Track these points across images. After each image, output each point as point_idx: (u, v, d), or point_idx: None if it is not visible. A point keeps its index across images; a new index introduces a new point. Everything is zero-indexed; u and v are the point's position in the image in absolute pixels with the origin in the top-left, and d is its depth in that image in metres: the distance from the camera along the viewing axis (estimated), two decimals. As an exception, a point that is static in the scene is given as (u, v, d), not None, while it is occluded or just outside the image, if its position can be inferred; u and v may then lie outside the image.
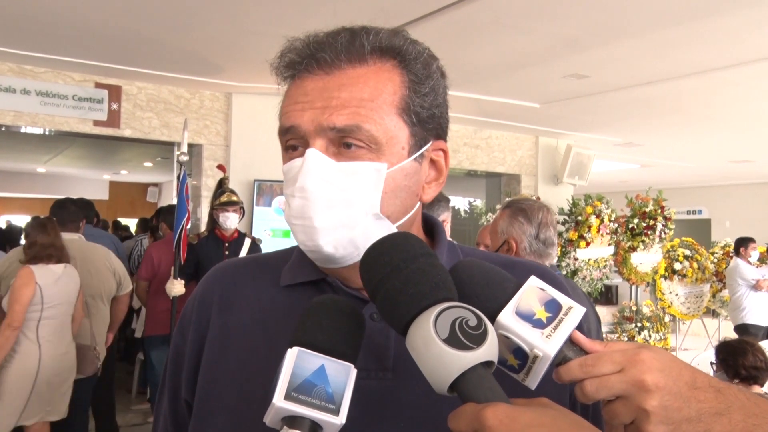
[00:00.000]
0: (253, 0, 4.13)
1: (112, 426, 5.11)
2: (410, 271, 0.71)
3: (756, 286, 7.89)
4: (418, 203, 0.95)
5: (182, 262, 4.71)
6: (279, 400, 0.66)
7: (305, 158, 0.85)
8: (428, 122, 0.91)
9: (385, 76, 0.88)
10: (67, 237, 4.22)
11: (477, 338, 0.65)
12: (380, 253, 0.73)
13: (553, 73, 5.67)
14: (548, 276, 0.97)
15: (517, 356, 0.72)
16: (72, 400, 4.24)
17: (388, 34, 0.89)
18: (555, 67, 5.48)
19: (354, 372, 0.70)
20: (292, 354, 0.69)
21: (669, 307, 8.59)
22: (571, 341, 0.73)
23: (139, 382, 6.73)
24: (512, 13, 4.23)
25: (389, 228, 0.89)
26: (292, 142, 0.89)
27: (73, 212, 4.36)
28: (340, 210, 0.85)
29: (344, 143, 0.85)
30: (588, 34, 4.61)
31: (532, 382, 0.73)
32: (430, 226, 1.03)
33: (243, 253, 5.12)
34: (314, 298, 0.78)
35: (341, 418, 0.67)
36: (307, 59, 0.87)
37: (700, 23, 4.32)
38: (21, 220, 14.74)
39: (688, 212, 15.09)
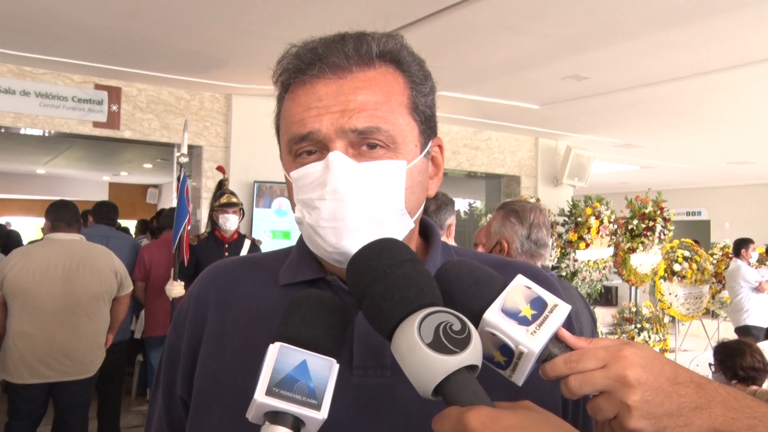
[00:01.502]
0: (253, 1, 4.14)
1: (115, 429, 5.11)
2: (395, 276, 0.71)
3: (758, 288, 7.88)
4: (425, 199, 0.98)
5: (185, 264, 4.72)
6: (260, 395, 0.66)
7: (331, 161, 0.86)
8: (430, 120, 0.95)
9: (391, 78, 0.90)
10: (69, 237, 4.23)
11: (461, 342, 0.66)
12: (366, 258, 0.74)
13: (553, 74, 5.68)
14: (539, 276, 0.99)
15: (504, 353, 0.73)
16: (75, 399, 4.25)
17: (386, 38, 0.92)
18: (554, 68, 5.48)
19: (336, 367, 0.71)
20: (274, 349, 0.70)
21: (668, 308, 8.58)
22: (556, 338, 0.74)
23: (139, 383, 6.73)
24: (512, 14, 4.24)
25: (409, 223, 0.92)
26: (309, 148, 0.89)
27: (75, 212, 4.36)
28: (370, 208, 0.87)
29: (368, 144, 0.87)
30: (587, 35, 4.62)
31: (519, 378, 0.74)
32: (425, 227, 1.05)
33: (243, 254, 5.12)
34: (297, 293, 0.79)
35: (323, 413, 0.67)
36: (319, 63, 0.87)
37: (700, 25, 4.33)
38: (21, 221, 14.77)
39: (688, 213, 15.09)
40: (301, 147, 0.89)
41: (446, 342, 0.66)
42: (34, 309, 4.03)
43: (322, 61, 0.87)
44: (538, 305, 0.74)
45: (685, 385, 0.70)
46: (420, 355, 0.65)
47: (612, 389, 0.69)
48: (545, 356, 0.73)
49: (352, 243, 0.85)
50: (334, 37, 0.91)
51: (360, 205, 0.86)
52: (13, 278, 4.01)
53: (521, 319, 0.73)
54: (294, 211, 0.93)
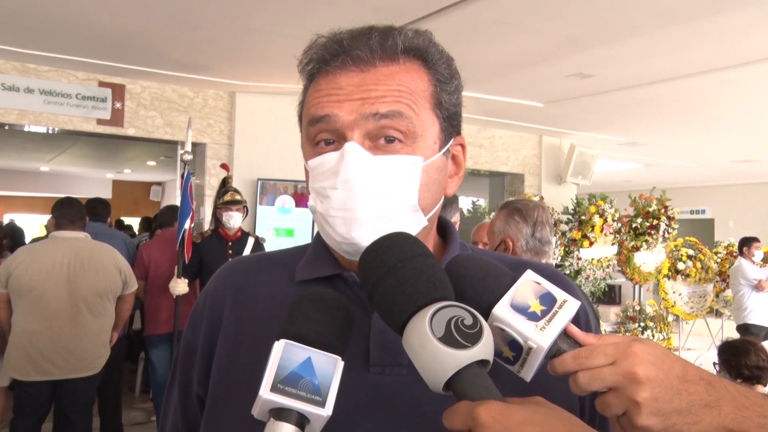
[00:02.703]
0: (256, -1, 4.14)
1: (117, 425, 5.12)
2: (407, 270, 0.71)
3: (758, 287, 7.86)
4: (443, 197, 0.97)
5: (186, 262, 4.73)
6: (265, 392, 0.67)
7: (346, 151, 0.85)
8: (453, 118, 0.95)
9: (415, 74, 0.90)
10: (74, 235, 4.23)
11: (472, 337, 0.66)
12: (378, 252, 0.74)
13: (557, 72, 5.66)
14: (556, 276, 0.98)
15: (513, 348, 0.73)
16: (79, 397, 4.26)
17: (413, 34, 0.91)
18: (559, 66, 5.47)
19: (341, 364, 0.71)
20: (279, 346, 0.70)
21: (672, 306, 8.58)
22: (565, 334, 0.74)
23: (142, 380, 6.74)
24: (515, 12, 4.23)
25: (422, 221, 0.91)
26: (325, 136, 0.89)
27: (79, 210, 4.37)
28: (382, 202, 0.87)
29: (386, 137, 0.87)
30: (592, 33, 4.61)
31: (527, 374, 0.74)
32: (443, 225, 1.05)
33: (246, 252, 5.13)
34: (303, 291, 0.79)
35: (327, 410, 0.67)
36: (342, 56, 0.88)
37: (704, 22, 4.32)
38: (24, 218, 14.80)
39: (692, 212, 15.06)
40: (317, 131, 0.89)
41: (458, 336, 0.65)
42: (40, 307, 4.04)
43: (346, 53, 0.87)
44: (548, 301, 0.74)
45: (695, 383, 0.69)
46: (431, 349, 0.65)
47: (621, 386, 0.69)
48: (554, 352, 0.73)
49: (362, 235, 0.86)
50: (361, 30, 0.90)
51: (371, 198, 0.86)
52: (18, 276, 4.02)
53: (530, 315, 0.72)
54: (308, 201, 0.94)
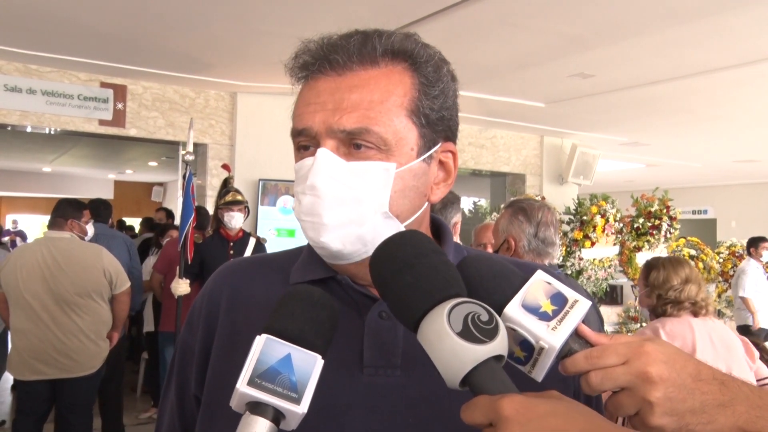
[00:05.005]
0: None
1: (118, 425, 5.11)
2: (422, 266, 0.71)
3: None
4: (426, 203, 0.96)
5: (189, 262, 4.72)
6: (242, 385, 0.67)
7: (316, 157, 0.87)
8: (437, 124, 0.92)
9: (396, 78, 0.89)
10: (58, 235, 4.24)
11: (489, 332, 0.66)
12: (391, 249, 0.74)
13: (559, 72, 5.66)
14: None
15: (524, 348, 0.73)
16: (76, 397, 4.26)
17: (401, 37, 0.91)
18: (560, 66, 5.47)
19: (320, 363, 0.71)
20: (260, 341, 0.70)
21: (674, 307, 8.55)
22: (577, 334, 0.74)
23: (145, 380, 6.74)
24: (517, 12, 4.23)
25: (397, 226, 0.91)
26: (305, 143, 0.91)
27: (67, 210, 4.38)
28: (350, 207, 0.87)
29: (354, 144, 0.87)
30: (593, 33, 4.61)
31: (539, 374, 0.73)
32: (437, 227, 1.05)
33: (248, 252, 5.12)
34: (290, 288, 0.79)
35: (303, 408, 0.68)
36: (320, 60, 0.89)
37: (706, 23, 4.31)
38: (27, 219, 14.82)
39: (694, 212, 15.05)
40: (299, 141, 0.92)
41: (475, 332, 0.66)
42: (25, 306, 4.07)
43: (325, 58, 0.89)
44: (559, 300, 0.74)
45: (708, 382, 0.69)
46: (450, 343, 0.66)
47: (634, 385, 0.68)
48: (565, 352, 0.73)
49: (330, 239, 0.87)
50: (342, 35, 0.91)
51: (338, 204, 0.87)
52: (5, 275, 4.09)
53: (542, 315, 0.72)
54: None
